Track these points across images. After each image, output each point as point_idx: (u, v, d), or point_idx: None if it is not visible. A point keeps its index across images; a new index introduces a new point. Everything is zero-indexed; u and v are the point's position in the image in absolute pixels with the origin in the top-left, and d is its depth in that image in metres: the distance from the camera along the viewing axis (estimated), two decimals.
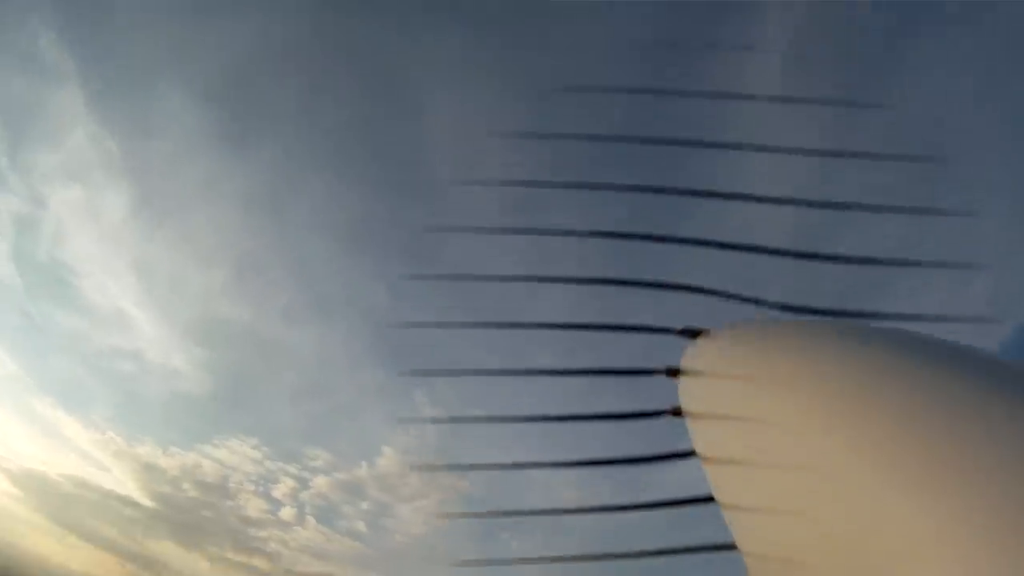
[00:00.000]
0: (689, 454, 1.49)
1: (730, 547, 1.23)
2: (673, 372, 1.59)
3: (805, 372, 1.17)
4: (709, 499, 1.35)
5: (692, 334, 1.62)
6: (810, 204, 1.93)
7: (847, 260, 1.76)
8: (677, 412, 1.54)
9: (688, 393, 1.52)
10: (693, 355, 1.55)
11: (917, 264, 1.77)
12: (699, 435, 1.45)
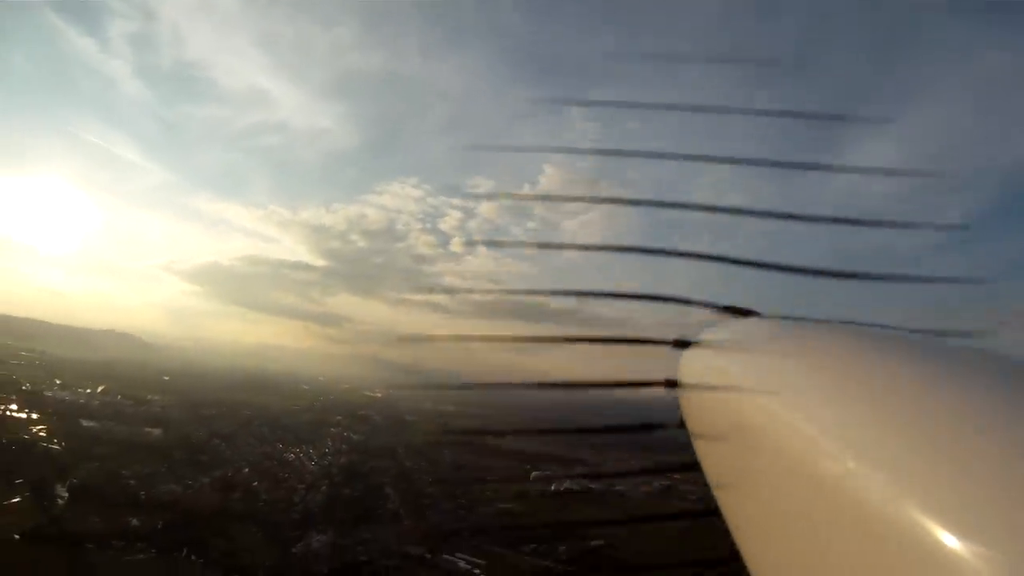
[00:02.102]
0: (677, 425, 1.58)
1: (713, 513, 1.30)
2: (681, 344, 1.65)
3: (810, 363, 1.19)
4: (695, 467, 1.44)
5: (736, 312, 1.69)
6: (813, 219, 2.02)
7: (847, 275, 1.80)
8: (671, 384, 1.59)
9: (691, 367, 1.57)
10: (712, 332, 1.60)
11: (916, 280, 1.82)
12: (692, 408, 1.52)
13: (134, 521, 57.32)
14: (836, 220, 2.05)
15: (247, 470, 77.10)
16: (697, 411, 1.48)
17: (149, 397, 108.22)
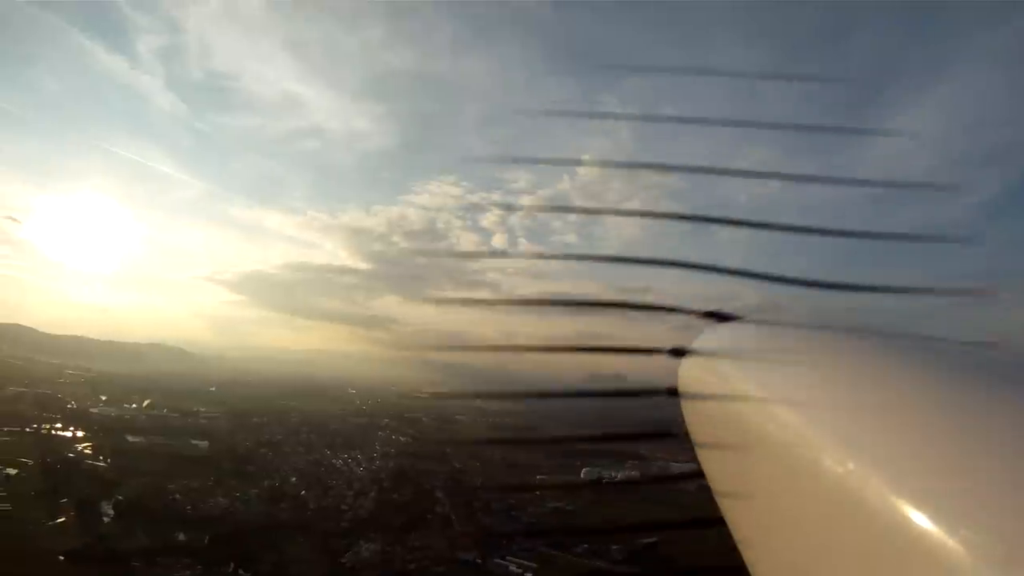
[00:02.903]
0: (681, 435, 1.57)
1: (719, 522, 1.29)
2: (678, 352, 1.65)
3: (813, 357, 1.25)
4: (699, 475, 1.44)
5: (720, 318, 1.69)
6: (822, 232, 1.98)
7: (850, 287, 1.73)
8: (672, 392, 1.60)
9: (691, 374, 1.58)
10: (708, 339, 1.61)
11: (920, 291, 1.75)
12: (693, 416, 1.52)
13: (181, 536, 56.93)
14: (839, 233, 2.00)
15: (295, 479, 76.66)
16: (699, 419, 1.52)
17: (195, 409, 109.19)
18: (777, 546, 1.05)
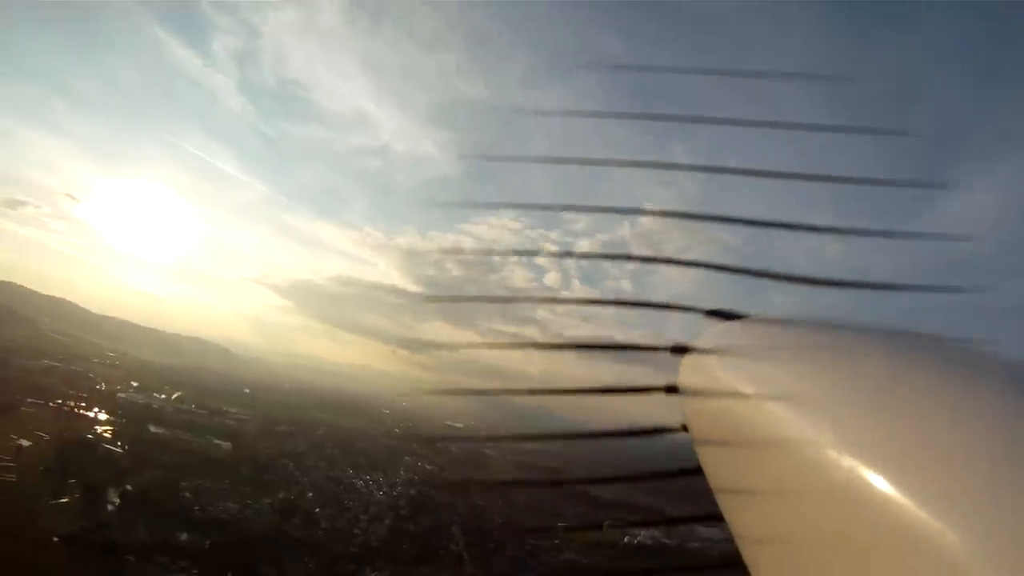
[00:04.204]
0: (678, 429, 1.61)
1: (718, 518, 1.32)
2: (679, 350, 1.67)
3: (816, 352, 1.25)
4: (698, 472, 1.45)
5: (723, 316, 1.68)
6: (815, 229, 1.96)
7: (847, 284, 1.73)
8: (671, 389, 1.63)
9: (692, 371, 1.60)
10: (709, 337, 1.61)
11: (915, 289, 1.75)
12: (693, 413, 1.54)
13: (183, 536, 55.73)
14: (836, 230, 1.99)
15: (311, 494, 75.07)
16: (699, 416, 1.53)
17: (225, 408, 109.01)
18: (778, 544, 1.06)
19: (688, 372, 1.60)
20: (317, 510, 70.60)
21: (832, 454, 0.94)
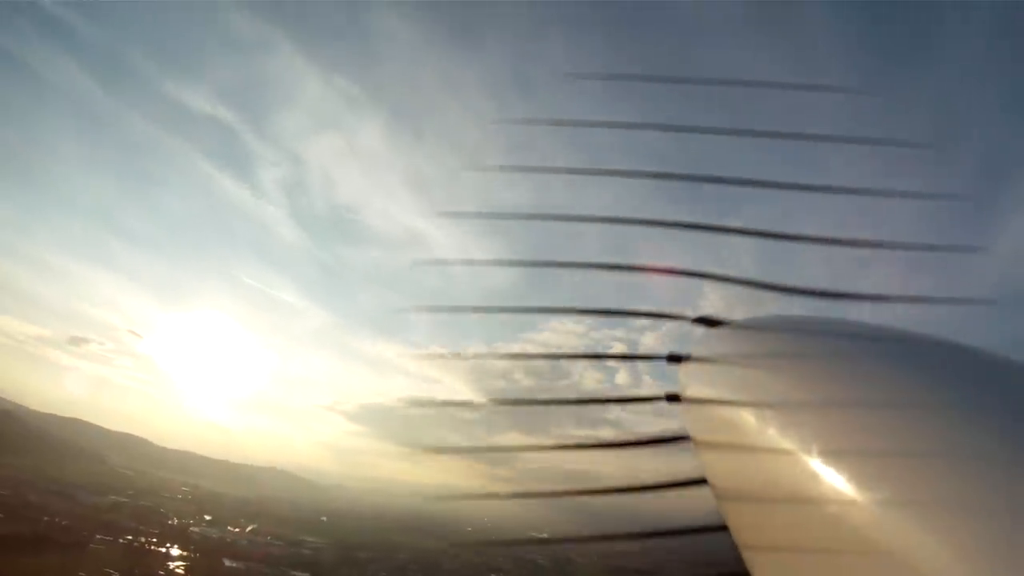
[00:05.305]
0: (683, 438, 1.59)
1: (721, 528, 1.32)
2: (675, 359, 1.72)
3: (810, 361, 1.28)
4: (702, 482, 1.46)
5: (709, 323, 1.73)
6: (831, 241, 1.95)
7: (856, 297, 1.77)
8: (672, 398, 1.66)
9: (690, 380, 1.64)
10: (703, 344, 1.67)
11: (925, 300, 1.81)
12: (695, 421, 1.55)
13: None
14: (849, 243, 1.97)
15: None
16: (702, 424, 1.54)
17: (302, 538, 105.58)
18: (781, 552, 1.07)
19: (688, 381, 1.63)
20: None
21: (841, 461, 0.94)
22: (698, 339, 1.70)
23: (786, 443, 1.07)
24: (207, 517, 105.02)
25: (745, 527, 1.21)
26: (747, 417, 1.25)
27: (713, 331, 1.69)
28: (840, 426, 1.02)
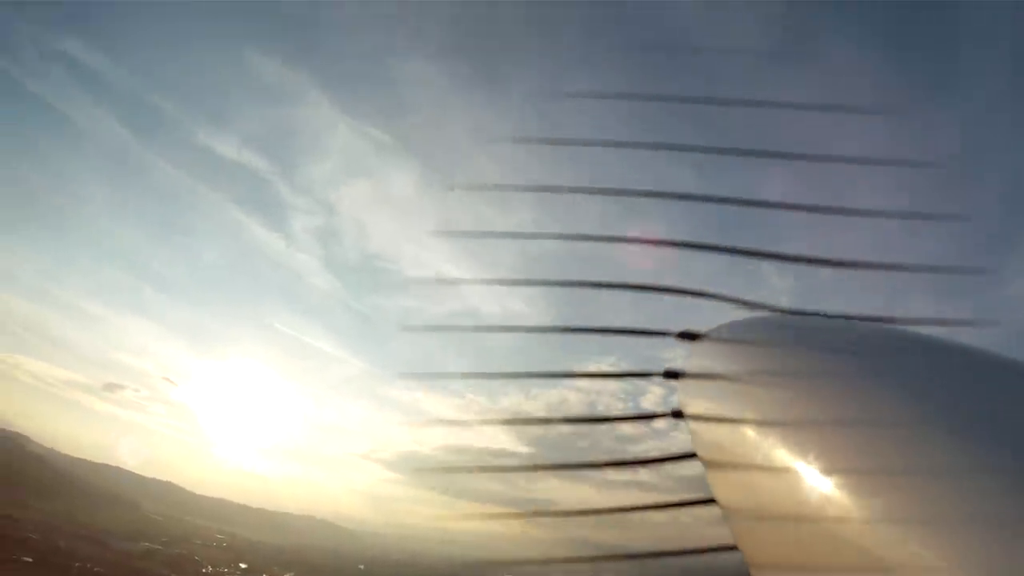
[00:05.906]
0: (690, 455, 1.60)
1: (731, 548, 1.32)
2: (671, 375, 1.73)
3: (804, 369, 1.29)
4: (711, 500, 1.45)
5: (691, 337, 1.75)
6: (815, 209, 2.05)
7: (848, 264, 1.83)
8: (677, 414, 1.67)
9: (688, 395, 1.65)
10: (692, 358, 1.69)
11: (917, 270, 1.87)
12: (698, 437, 1.56)
13: None
14: (835, 211, 2.07)
15: None
16: (705, 442, 1.54)
17: None
18: (793, 573, 1.07)
19: (688, 399, 1.63)
20: None
21: (842, 476, 0.93)
22: (687, 354, 1.70)
23: (791, 460, 1.06)
24: (242, 565, 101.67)
25: (754, 545, 1.20)
26: (750, 435, 1.24)
27: (698, 344, 1.69)
28: (847, 440, 1.00)
